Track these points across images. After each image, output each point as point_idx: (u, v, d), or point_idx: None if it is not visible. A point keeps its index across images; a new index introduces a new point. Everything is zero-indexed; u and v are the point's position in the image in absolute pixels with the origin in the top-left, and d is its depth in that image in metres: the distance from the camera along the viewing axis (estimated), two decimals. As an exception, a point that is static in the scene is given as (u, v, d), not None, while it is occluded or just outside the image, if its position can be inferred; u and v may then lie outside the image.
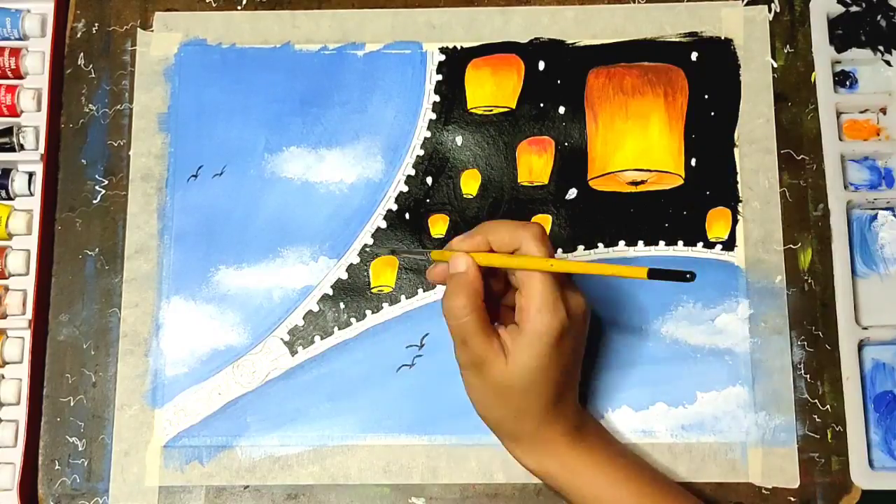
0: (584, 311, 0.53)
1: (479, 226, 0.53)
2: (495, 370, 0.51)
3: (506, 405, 0.52)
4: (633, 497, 0.53)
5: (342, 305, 0.61)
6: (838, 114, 0.63)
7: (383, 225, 0.62)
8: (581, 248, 0.62)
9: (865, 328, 0.59)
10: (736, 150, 0.63)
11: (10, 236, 0.62)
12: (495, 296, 0.54)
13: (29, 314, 0.60)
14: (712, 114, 0.63)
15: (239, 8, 0.66)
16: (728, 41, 0.64)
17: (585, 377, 0.59)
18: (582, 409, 0.55)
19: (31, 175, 0.62)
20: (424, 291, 0.61)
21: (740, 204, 0.62)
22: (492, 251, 0.52)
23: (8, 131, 0.63)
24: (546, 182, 0.63)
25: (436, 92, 0.64)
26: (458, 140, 0.63)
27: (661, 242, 0.62)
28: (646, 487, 0.54)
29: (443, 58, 0.64)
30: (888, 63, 0.64)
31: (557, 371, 0.51)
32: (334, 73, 0.64)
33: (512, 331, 0.51)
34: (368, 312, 0.61)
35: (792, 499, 0.58)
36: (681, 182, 0.62)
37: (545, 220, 0.62)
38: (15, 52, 0.63)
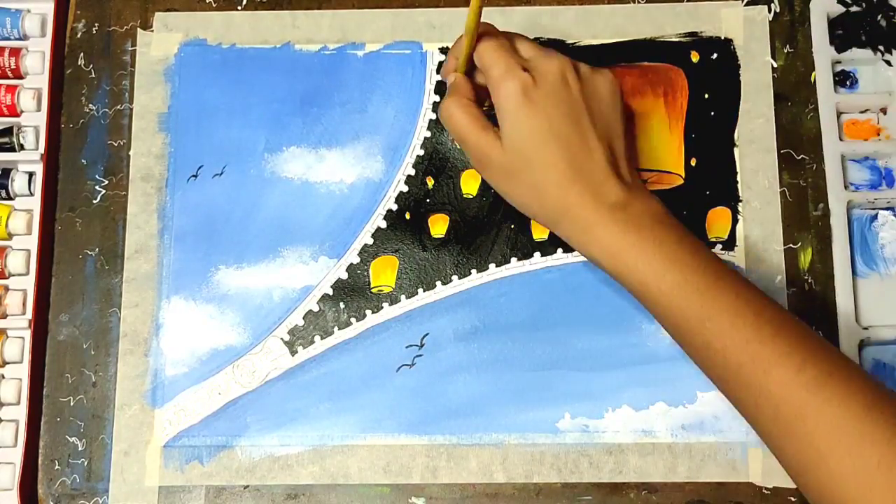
0: (556, 66, 0.52)
1: (450, 50, 0.57)
2: (495, 156, 0.52)
3: (522, 187, 0.52)
4: (676, 287, 0.49)
5: (342, 305, 0.61)
6: (838, 114, 0.63)
7: (383, 225, 0.62)
8: (581, 247, 0.62)
9: (866, 328, 0.59)
10: (736, 150, 0.63)
11: (10, 236, 0.62)
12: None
13: (29, 314, 0.60)
14: (712, 114, 0.63)
15: (239, 8, 0.66)
16: (728, 41, 0.64)
17: (585, 377, 0.59)
18: (635, 188, 0.52)
19: (31, 175, 0.62)
20: (424, 291, 0.61)
21: (740, 204, 0.62)
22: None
23: (8, 131, 0.63)
24: (546, 182, 0.63)
25: (436, 92, 0.64)
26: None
27: (662, 242, 0.62)
28: (694, 276, 0.49)
29: (443, 58, 0.64)
30: (888, 63, 0.64)
31: (549, 133, 0.51)
32: (334, 73, 0.64)
33: (498, 119, 0.52)
34: (368, 312, 0.61)
35: (792, 499, 0.58)
36: (681, 182, 0.62)
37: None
38: (15, 52, 0.64)
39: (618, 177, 0.52)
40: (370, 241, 0.62)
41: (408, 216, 0.63)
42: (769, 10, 0.65)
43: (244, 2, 0.66)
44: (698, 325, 0.49)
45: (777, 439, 0.48)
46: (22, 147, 0.63)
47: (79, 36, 0.65)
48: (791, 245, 0.61)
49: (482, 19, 0.53)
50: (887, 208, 0.62)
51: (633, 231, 0.50)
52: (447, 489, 0.59)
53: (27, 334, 0.60)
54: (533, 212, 0.53)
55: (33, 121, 0.63)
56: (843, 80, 0.64)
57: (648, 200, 0.52)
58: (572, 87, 0.52)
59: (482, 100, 0.56)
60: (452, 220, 0.62)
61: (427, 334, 0.61)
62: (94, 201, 0.63)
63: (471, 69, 0.55)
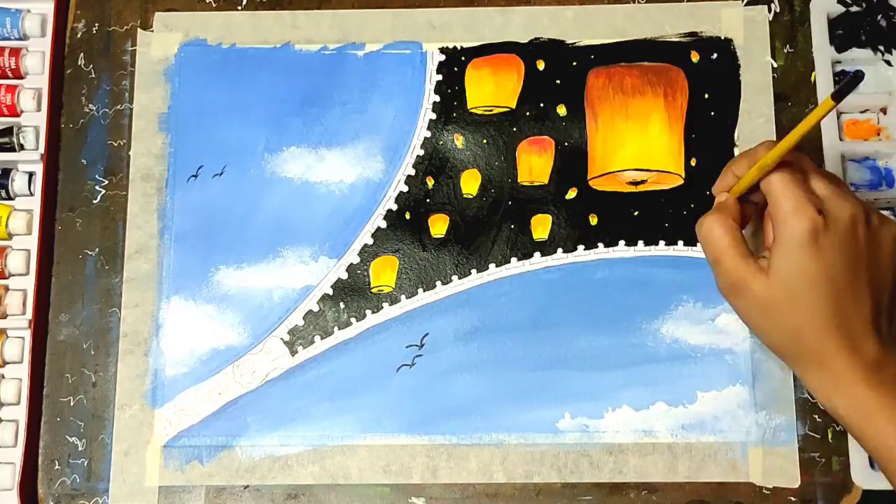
0: (850, 214, 0.50)
1: (726, 166, 0.54)
2: (756, 287, 0.50)
3: (778, 325, 0.50)
4: None
5: (342, 305, 0.61)
6: (838, 114, 0.63)
7: (383, 225, 0.62)
8: (581, 247, 0.62)
9: (866, 328, 0.59)
10: (736, 150, 0.63)
11: (10, 236, 0.62)
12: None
13: (29, 314, 0.60)
14: (712, 114, 0.63)
15: (239, 8, 0.66)
16: (728, 41, 0.64)
17: (585, 377, 0.59)
18: (890, 347, 0.50)
19: (31, 175, 0.62)
20: (424, 291, 0.61)
21: (740, 204, 0.62)
22: None
23: (8, 131, 0.63)
24: (546, 182, 0.63)
25: (436, 92, 0.64)
26: (459, 140, 0.63)
27: (661, 242, 0.62)
28: None
29: (443, 58, 0.64)
30: (888, 63, 0.64)
31: (825, 278, 0.49)
32: (334, 73, 0.64)
33: (772, 247, 0.50)
34: (368, 312, 0.61)
35: (792, 498, 0.58)
36: (681, 182, 0.62)
37: (545, 220, 0.62)
38: (15, 52, 0.64)
39: (879, 334, 0.50)
40: (370, 241, 0.62)
41: (408, 216, 0.63)
42: (769, 10, 0.65)
43: (244, 2, 0.66)
44: None
45: None
46: (22, 147, 0.63)
47: (79, 36, 0.65)
48: (791, 245, 0.61)
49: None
50: (887, 208, 0.62)
51: (885, 393, 0.49)
52: (447, 489, 0.59)
53: (27, 334, 0.60)
54: (782, 351, 0.52)
55: (33, 121, 0.63)
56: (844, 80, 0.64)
57: None
58: (860, 237, 0.50)
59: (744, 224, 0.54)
60: (452, 220, 0.62)
61: (427, 334, 0.61)
62: (94, 201, 0.63)
63: (746, 193, 0.53)
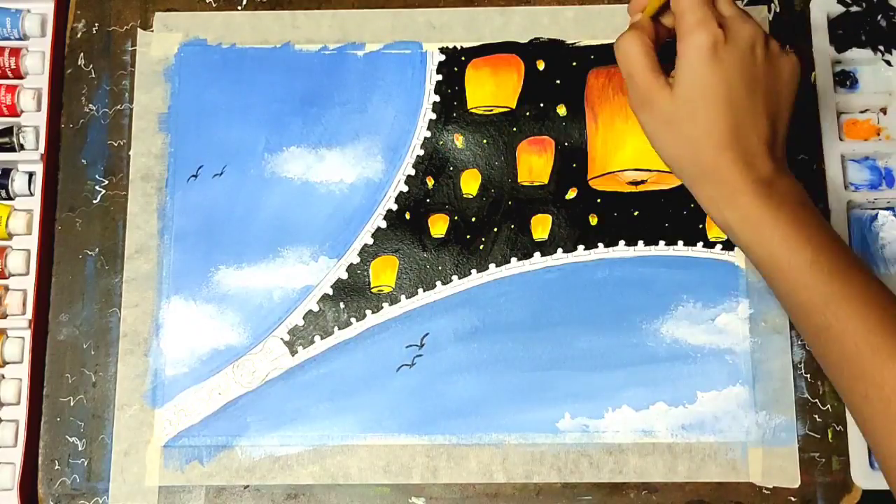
0: (750, 33, 0.51)
1: None
2: (661, 101, 0.51)
3: (678, 139, 0.51)
4: (806, 265, 0.49)
5: (342, 305, 0.61)
6: (838, 114, 0.63)
7: (383, 225, 0.62)
8: (581, 247, 0.62)
9: (866, 328, 0.59)
10: (736, 150, 0.63)
11: (10, 236, 0.62)
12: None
13: (29, 314, 0.60)
14: (712, 114, 0.63)
15: (239, 8, 0.66)
16: (728, 41, 0.64)
17: (585, 377, 0.59)
18: (783, 170, 0.52)
19: (31, 175, 0.62)
20: (424, 291, 0.61)
21: (740, 204, 0.62)
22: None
23: (8, 131, 0.63)
24: (546, 182, 0.63)
25: (436, 92, 0.64)
26: (459, 140, 0.63)
27: (661, 242, 0.62)
28: (826, 258, 0.49)
29: (443, 58, 0.64)
30: (888, 63, 0.64)
31: (724, 93, 0.50)
32: (334, 73, 0.64)
33: (676, 65, 0.51)
34: (368, 312, 0.61)
35: (792, 498, 0.58)
36: (681, 182, 0.62)
37: (545, 220, 0.62)
38: (15, 52, 0.64)
39: (772, 155, 0.52)
40: (370, 241, 0.62)
41: (408, 216, 0.63)
42: (769, 10, 0.65)
43: (244, 2, 0.66)
44: (822, 306, 0.49)
45: (884, 435, 0.48)
46: (22, 147, 0.63)
47: (79, 36, 0.65)
48: (791, 245, 0.61)
49: None
50: (887, 208, 0.62)
51: (775, 206, 0.50)
52: (447, 489, 0.59)
53: (27, 334, 0.60)
54: (680, 165, 0.53)
55: (33, 121, 0.63)
56: (843, 80, 0.64)
57: (794, 184, 0.52)
58: (759, 58, 0.51)
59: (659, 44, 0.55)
60: (452, 220, 0.62)
61: (427, 334, 0.61)
62: (94, 201, 0.63)
63: (657, 14, 0.54)
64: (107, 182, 0.63)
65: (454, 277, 0.62)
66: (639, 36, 0.52)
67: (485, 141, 0.63)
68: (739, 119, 0.51)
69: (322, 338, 0.61)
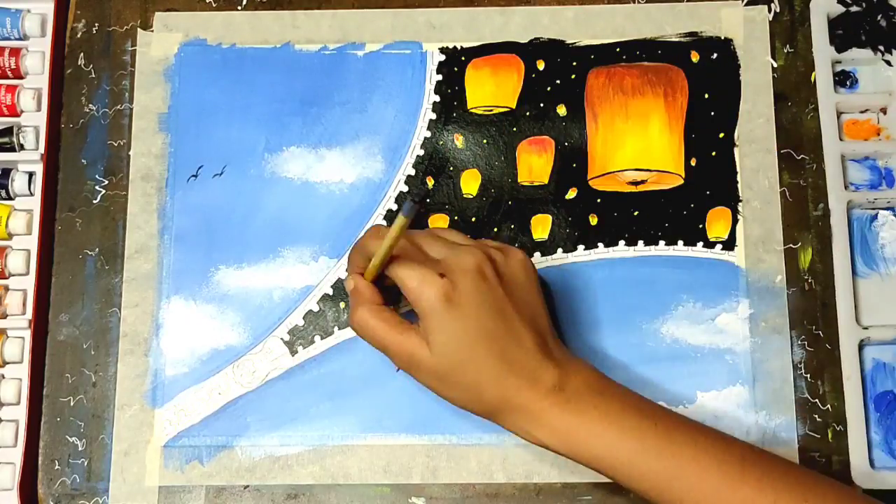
0: (470, 264, 0.51)
1: (348, 260, 0.55)
2: (424, 361, 0.51)
3: (457, 388, 0.51)
4: (633, 454, 0.49)
5: (342, 305, 0.61)
6: (838, 113, 0.63)
7: (384, 225, 0.62)
8: (581, 247, 0.62)
9: (866, 328, 0.59)
10: (736, 150, 0.63)
11: (10, 236, 0.62)
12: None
13: (29, 314, 0.60)
14: (712, 114, 0.63)
15: (239, 8, 0.66)
16: (728, 41, 0.64)
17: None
18: (566, 362, 0.52)
19: (31, 175, 0.62)
20: (424, 291, 0.61)
21: (740, 203, 0.62)
22: None
23: (8, 131, 0.63)
24: (546, 182, 0.63)
25: (436, 92, 0.64)
26: (459, 140, 0.63)
27: (661, 242, 0.62)
28: (648, 440, 0.49)
29: (443, 58, 0.64)
30: (888, 63, 0.64)
31: (477, 333, 0.50)
32: (334, 73, 0.64)
33: (420, 326, 0.51)
34: (368, 312, 0.61)
35: (792, 499, 0.58)
36: (681, 182, 0.62)
37: (545, 220, 0.62)
38: (15, 52, 0.64)
39: (550, 358, 0.51)
40: (370, 241, 0.62)
41: (408, 216, 0.62)
42: (769, 10, 0.65)
43: (244, 2, 0.66)
44: (667, 487, 0.49)
45: None
46: (22, 147, 0.63)
47: (79, 36, 0.65)
48: (791, 245, 0.61)
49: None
50: (887, 208, 0.62)
51: (576, 411, 0.50)
52: (447, 489, 0.59)
53: (27, 334, 0.60)
54: (471, 408, 0.52)
55: (33, 121, 0.63)
56: (843, 79, 0.64)
57: (582, 372, 0.52)
58: (490, 280, 0.51)
59: (395, 300, 0.55)
60: (452, 220, 0.62)
61: (427, 334, 0.61)
62: (94, 201, 0.63)
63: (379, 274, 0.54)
64: (107, 182, 0.63)
65: (454, 277, 0.61)
66: (368, 306, 0.52)
67: (485, 141, 0.63)
68: (504, 345, 0.50)
69: (322, 338, 0.61)
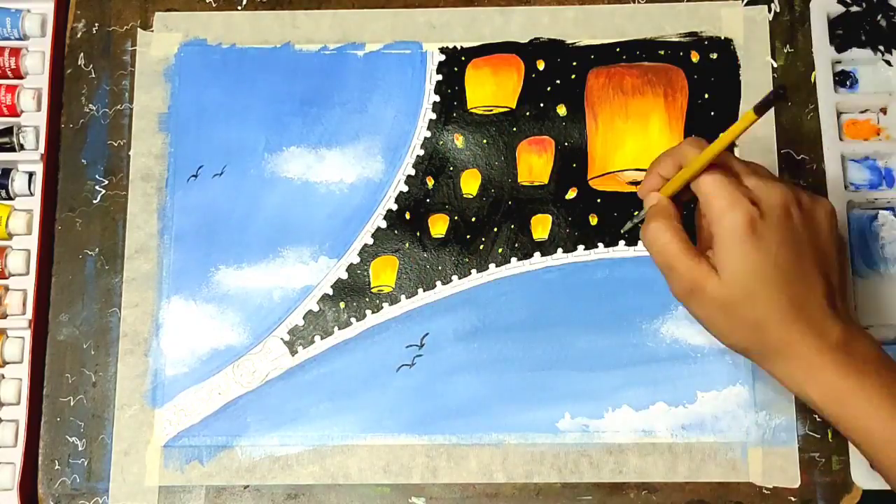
0: (781, 199, 0.49)
1: (650, 166, 0.53)
2: (711, 288, 0.49)
3: (739, 322, 0.49)
4: None
5: (342, 305, 0.61)
6: (838, 114, 0.63)
7: (383, 225, 0.62)
8: (581, 247, 0.62)
9: (866, 328, 0.59)
10: (736, 150, 0.63)
11: (10, 236, 0.62)
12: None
13: (29, 314, 0.60)
14: (712, 114, 0.63)
15: (239, 8, 0.66)
16: (728, 41, 0.64)
17: (585, 377, 0.59)
18: (852, 326, 0.50)
19: (31, 175, 0.62)
20: (424, 291, 0.61)
21: (740, 204, 0.62)
22: None
23: (8, 131, 0.63)
24: (546, 182, 0.63)
25: (436, 92, 0.64)
26: (459, 140, 0.63)
27: (662, 242, 0.62)
28: None
29: (443, 58, 0.64)
30: (888, 63, 0.64)
31: (774, 268, 0.48)
32: (334, 73, 0.64)
33: (714, 245, 0.49)
34: (368, 312, 0.61)
35: (792, 498, 0.58)
36: (681, 182, 0.62)
37: (545, 220, 0.62)
38: (15, 52, 0.64)
39: (837, 314, 0.50)
40: (370, 241, 0.62)
41: (408, 216, 0.63)
42: (769, 10, 0.65)
43: (244, 2, 0.66)
44: None
45: None
46: (22, 147, 0.63)
47: (79, 36, 0.65)
48: (791, 245, 0.61)
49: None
50: (887, 208, 0.62)
51: (856, 375, 0.48)
52: (447, 489, 0.59)
53: (27, 334, 0.60)
54: (745, 347, 0.50)
55: (33, 121, 0.63)
56: (843, 79, 0.64)
57: (867, 339, 0.50)
58: (796, 220, 0.50)
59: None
60: (452, 220, 0.62)
61: (427, 334, 0.61)
62: (94, 201, 0.63)
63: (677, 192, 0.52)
64: (107, 182, 0.63)
65: (454, 277, 0.62)
66: (666, 222, 0.50)
67: (485, 141, 0.63)
68: (797, 289, 0.49)
69: (322, 338, 0.61)
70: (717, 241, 0.49)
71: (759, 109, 0.46)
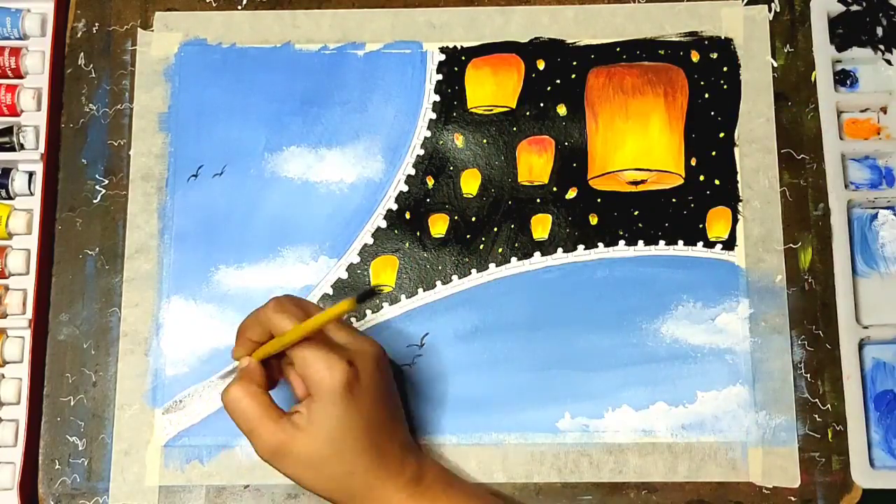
0: (372, 355, 0.52)
1: (238, 329, 0.54)
2: (298, 447, 0.50)
3: (327, 475, 0.51)
4: None
5: (342, 305, 0.61)
6: (839, 113, 0.63)
7: (383, 225, 0.62)
8: (581, 247, 0.62)
9: (866, 327, 0.59)
10: (736, 150, 0.63)
11: (10, 236, 0.62)
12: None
13: (29, 314, 0.60)
14: (712, 113, 0.63)
15: (239, 8, 0.66)
16: (728, 41, 0.64)
17: (585, 376, 0.59)
18: (418, 458, 0.54)
19: (31, 175, 0.62)
20: (424, 291, 0.61)
21: (740, 203, 0.62)
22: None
23: (8, 131, 0.63)
24: (546, 182, 0.63)
25: (436, 92, 0.64)
26: (459, 139, 0.63)
27: (661, 242, 0.62)
28: None
29: (443, 57, 0.64)
30: (889, 62, 0.64)
31: (364, 424, 0.50)
32: (334, 72, 0.64)
33: (305, 404, 0.51)
34: (369, 312, 0.61)
35: (792, 498, 0.58)
36: (681, 182, 0.62)
37: (545, 220, 0.62)
38: (15, 52, 0.64)
39: (409, 449, 0.54)
40: (370, 241, 0.62)
41: (408, 216, 0.63)
42: (769, 10, 0.65)
43: (244, 1, 0.66)
44: None
45: None
46: (22, 147, 0.63)
47: (79, 36, 0.65)
48: (791, 245, 0.61)
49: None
50: (887, 207, 0.62)
51: (431, 499, 0.52)
52: (447, 489, 0.59)
53: (27, 334, 0.60)
54: (331, 496, 0.52)
55: (33, 121, 0.63)
56: (844, 79, 0.64)
57: (433, 465, 0.55)
58: (384, 372, 0.53)
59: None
60: (452, 220, 0.62)
61: (427, 334, 0.61)
62: (94, 201, 0.63)
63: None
64: (107, 182, 0.63)
65: (454, 277, 0.62)
66: (249, 387, 0.51)
67: (485, 141, 0.63)
68: (381, 438, 0.52)
69: (322, 337, 0.61)
70: (314, 400, 0.50)
71: (360, 299, 0.48)
